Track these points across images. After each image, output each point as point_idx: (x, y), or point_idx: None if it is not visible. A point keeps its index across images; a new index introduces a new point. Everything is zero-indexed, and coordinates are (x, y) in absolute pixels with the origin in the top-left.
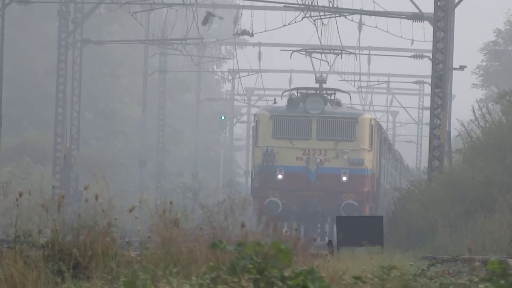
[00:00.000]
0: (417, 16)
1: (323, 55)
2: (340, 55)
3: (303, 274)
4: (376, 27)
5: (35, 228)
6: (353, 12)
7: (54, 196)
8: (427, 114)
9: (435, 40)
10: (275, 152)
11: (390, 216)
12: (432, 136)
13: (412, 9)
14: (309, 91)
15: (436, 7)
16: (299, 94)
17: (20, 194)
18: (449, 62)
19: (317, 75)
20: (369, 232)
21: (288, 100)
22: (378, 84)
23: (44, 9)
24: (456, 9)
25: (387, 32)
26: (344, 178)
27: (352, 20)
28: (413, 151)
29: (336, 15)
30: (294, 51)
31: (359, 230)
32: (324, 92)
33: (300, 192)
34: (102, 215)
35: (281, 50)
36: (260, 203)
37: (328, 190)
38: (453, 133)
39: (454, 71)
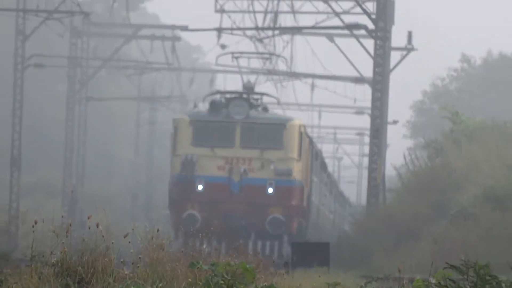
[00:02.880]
0: (359, 80)
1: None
2: (269, 60)
3: None
4: (326, 88)
5: (48, 250)
6: (306, 75)
7: (63, 224)
8: (366, 160)
9: (374, 99)
10: (195, 160)
11: (335, 242)
12: (370, 178)
13: (355, 74)
14: (234, 95)
15: (375, 72)
16: (223, 99)
17: (36, 222)
18: (384, 117)
19: (244, 81)
20: (318, 255)
21: (210, 104)
22: (327, 135)
23: (55, 72)
24: (391, 74)
25: (335, 92)
26: (270, 190)
27: (305, 82)
28: (354, 190)
29: (293, 78)
30: (220, 55)
31: (310, 253)
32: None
33: (222, 205)
34: (101, 240)
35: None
36: (177, 217)
37: (252, 203)
38: (388, 175)
39: (388, 125)
